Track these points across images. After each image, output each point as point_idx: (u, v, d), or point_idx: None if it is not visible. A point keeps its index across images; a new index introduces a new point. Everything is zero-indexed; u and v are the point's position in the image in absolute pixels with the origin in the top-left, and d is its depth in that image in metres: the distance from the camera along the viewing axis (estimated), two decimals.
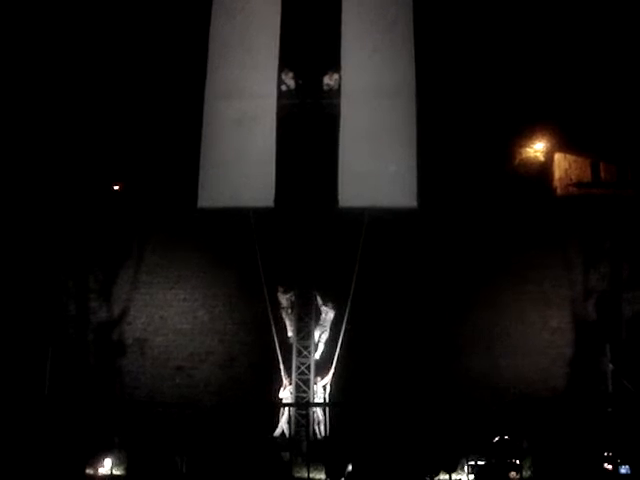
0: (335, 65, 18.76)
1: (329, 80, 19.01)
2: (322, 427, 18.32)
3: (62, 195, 22.64)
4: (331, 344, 18.86)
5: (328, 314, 19.07)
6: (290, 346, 18.95)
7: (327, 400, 18.79)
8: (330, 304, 19.08)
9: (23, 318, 21.43)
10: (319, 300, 19.00)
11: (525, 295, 21.84)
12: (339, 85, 18.69)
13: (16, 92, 22.38)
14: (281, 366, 18.83)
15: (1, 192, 22.19)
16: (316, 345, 18.85)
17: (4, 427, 13.85)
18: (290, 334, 19.09)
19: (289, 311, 19.24)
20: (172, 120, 22.15)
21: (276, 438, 17.76)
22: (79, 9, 22.35)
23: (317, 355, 18.87)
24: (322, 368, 18.81)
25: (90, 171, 23.09)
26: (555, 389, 20.81)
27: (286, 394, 18.81)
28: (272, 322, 18.92)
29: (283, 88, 18.88)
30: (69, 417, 15.26)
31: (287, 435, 18.09)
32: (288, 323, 19.18)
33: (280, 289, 19.34)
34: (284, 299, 19.35)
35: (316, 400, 18.59)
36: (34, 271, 22.18)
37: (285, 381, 18.82)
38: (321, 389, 18.72)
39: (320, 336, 19.01)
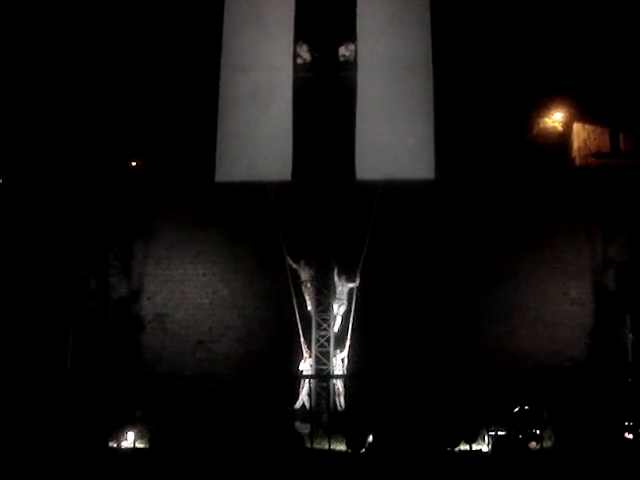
0: (351, 35, 18.65)
1: (345, 51, 18.92)
2: (342, 399, 18.42)
3: (80, 172, 22.71)
4: (348, 317, 18.92)
5: (344, 287, 19.10)
6: (310, 319, 19.03)
7: (344, 372, 18.89)
8: (344, 277, 19.09)
9: (45, 295, 21.60)
10: (335, 274, 19.02)
11: (544, 266, 21.78)
12: (355, 56, 18.60)
13: (35, 69, 22.44)
14: (302, 339, 18.92)
15: (21, 171, 22.34)
16: (334, 318, 18.92)
17: (29, 402, 14.04)
18: (310, 308, 19.17)
19: (308, 285, 19.30)
20: (188, 95, 22.13)
21: (296, 410, 17.87)
22: None
23: (336, 328, 18.95)
24: (341, 341, 18.90)
25: (108, 148, 23.13)
26: (575, 359, 20.79)
27: (306, 366, 18.90)
28: (293, 295, 19.01)
29: (299, 61, 18.81)
30: (92, 392, 15.43)
31: (308, 407, 18.22)
32: (307, 297, 19.24)
33: (301, 263, 19.38)
34: (304, 273, 19.40)
35: (335, 372, 18.69)
36: (55, 248, 22.31)
37: (305, 354, 18.91)
38: (340, 361, 18.81)
39: (338, 309, 19.07)
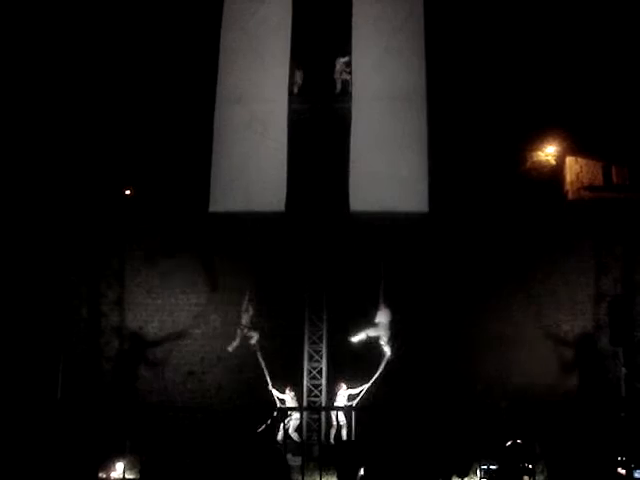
0: (347, 67, 18.78)
1: (340, 82, 19.02)
2: (344, 432, 18.17)
3: (74, 200, 22.70)
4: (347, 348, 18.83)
5: (385, 315, 18.81)
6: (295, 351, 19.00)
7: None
8: (384, 304, 18.84)
9: (36, 322, 21.49)
10: (381, 305, 18.77)
11: (537, 299, 21.78)
12: (350, 88, 18.71)
13: (28, 96, 22.47)
14: (270, 385, 18.95)
15: (14, 197, 22.30)
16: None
17: (17, 431, 13.89)
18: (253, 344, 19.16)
19: (247, 329, 19.25)
20: (183, 125, 22.17)
21: (288, 443, 17.71)
22: (93, 17, 22.44)
23: (388, 351, 18.63)
24: (352, 378, 18.76)
25: (101, 176, 23.13)
26: (568, 393, 20.73)
27: (288, 398, 18.67)
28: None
29: (294, 92, 18.90)
30: (81, 421, 15.29)
31: (297, 440, 18.07)
32: (249, 338, 19.21)
33: (245, 300, 19.39)
34: (245, 316, 19.36)
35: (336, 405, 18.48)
36: (47, 276, 22.25)
37: (280, 389, 18.77)
38: (344, 397, 18.51)
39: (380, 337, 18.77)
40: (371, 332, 18.64)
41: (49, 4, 22.11)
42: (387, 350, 18.68)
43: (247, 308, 19.35)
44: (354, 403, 18.50)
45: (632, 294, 21.41)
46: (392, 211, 17.89)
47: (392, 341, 18.80)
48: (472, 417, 15.65)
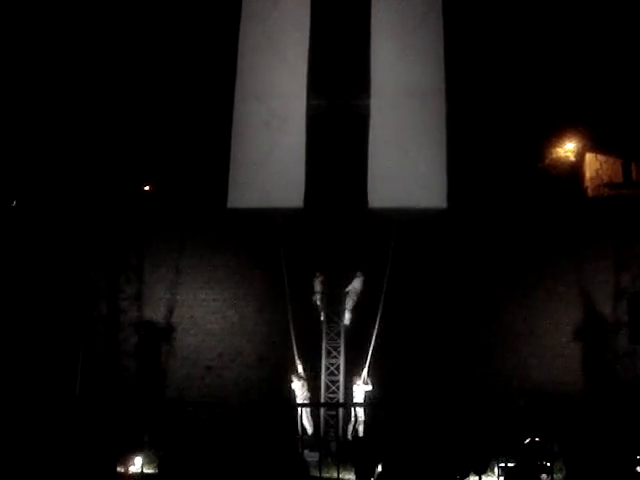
0: (365, 64, 18.75)
1: (359, 78, 19.06)
2: (362, 428, 18.23)
3: (93, 196, 22.83)
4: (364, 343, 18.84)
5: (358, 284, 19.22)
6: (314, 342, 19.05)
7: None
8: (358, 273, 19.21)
9: (55, 318, 21.64)
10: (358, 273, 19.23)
11: (555, 296, 21.69)
12: (369, 84, 18.66)
13: (50, 94, 22.63)
14: (297, 359, 18.87)
15: (35, 193, 22.46)
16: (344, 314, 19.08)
17: (37, 426, 14.00)
18: (322, 318, 19.22)
19: (321, 296, 19.31)
20: (202, 121, 22.26)
21: (305, 438, 17.74)
22: (114, 15, 22.56)
23: (347, 321, 19.00)
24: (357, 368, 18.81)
25: (121, 172, 23.26)
26: (586, 391, 20.66)
27: (298, 386, 18.70)
28: (290, 322, 18.95)
29: (312, 88, 18.90)
30: (100, 416, 15.37)
31: (309, 429, 18.16)
32: (320, 307, 19.29)
33: (317, 274, 19.52)
34: (318, 284, 19.49)
35: (356, 401, 18.54)
36: (66, 271, 22.38)
37: (299, 368, 18.80)
38: (361, 393, 18.57)
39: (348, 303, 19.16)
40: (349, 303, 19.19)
41: (73, 11, 22.30)
42: (347, 317, 19.03)
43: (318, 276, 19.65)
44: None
45: None
46: (411, 207, 17.82)
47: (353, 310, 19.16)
48: (490, 414, 15.60)
